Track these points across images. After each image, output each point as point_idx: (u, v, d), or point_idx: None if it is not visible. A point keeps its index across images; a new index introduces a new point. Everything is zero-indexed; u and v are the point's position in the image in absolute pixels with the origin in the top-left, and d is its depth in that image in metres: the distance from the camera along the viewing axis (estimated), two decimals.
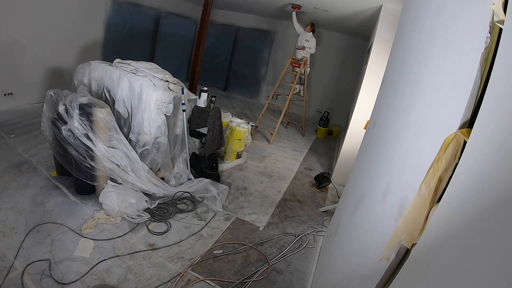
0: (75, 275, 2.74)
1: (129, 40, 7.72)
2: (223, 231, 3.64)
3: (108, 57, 4.85)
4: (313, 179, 5.15)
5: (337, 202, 4.19)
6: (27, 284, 2.59)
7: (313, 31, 6.97)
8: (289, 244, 3.62)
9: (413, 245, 1.09)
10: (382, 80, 2.85)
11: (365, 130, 3.61)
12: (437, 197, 1.03)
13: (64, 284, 2.64)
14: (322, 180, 4.94)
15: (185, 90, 4.01)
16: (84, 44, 6.72)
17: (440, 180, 1.01)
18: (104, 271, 2.84)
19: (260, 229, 3.81)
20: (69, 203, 3.59)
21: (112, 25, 7.16)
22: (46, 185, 3.81)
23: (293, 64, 7.02)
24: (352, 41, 8.50)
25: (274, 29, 9.41)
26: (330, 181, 5.00)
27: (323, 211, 4.40)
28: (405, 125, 1.56)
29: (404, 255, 1.16)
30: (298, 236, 3.78)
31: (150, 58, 8.25)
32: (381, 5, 4.69)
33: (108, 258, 2.97)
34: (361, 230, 1.82)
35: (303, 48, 6.90)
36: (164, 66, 4.26)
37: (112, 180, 3.53)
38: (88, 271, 2.80)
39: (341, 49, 8.68)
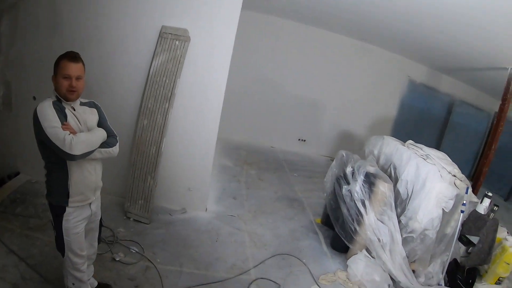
0: None
1: (419, 122, 8.05)
2: None
3: (397, 134, 5.24)
4: None
5: None
6: None
7: None
8: None
9: None
10: None
11: None
12: None
13: None
14: None
15: (470, 190, 3.87)
16: (377, 118, 7.46)
17: None
18: None
19: None
20: (320, 251, 4.04)
21: (406, 105, 7.65)
22: (308, 226, 4.41)
23: None
24: None
25: None
26: None
27: None
28: None
29: None
30: None
31: (437, 145, 8.24)
32: None
33: None
34: None
35: None
36: (448, 156, 4.26)
37: (367, 250, 3.74)
38: None
39: None
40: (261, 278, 3.32)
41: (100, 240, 2.59)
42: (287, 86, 6.65)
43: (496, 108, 5.60)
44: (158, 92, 3.69)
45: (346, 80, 7.03)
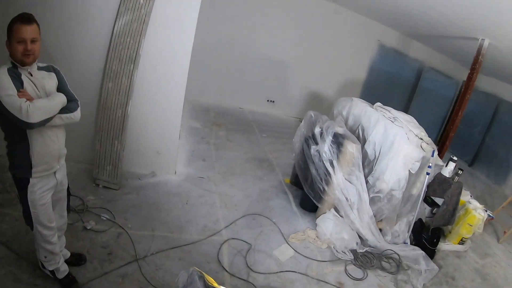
0: (264, 268, 3.18)
1: (388, 86, 8.19)
2: None
3: (366, 97, 5.30)
4: None
5: None
6: (223, 251, 3.21)
7: None
8: None
9: None
10: None
11: None
12: None
13: (251, 270, 3.11)
14: None
15: (436, 153, 4.02)
16: (346, 80, 7.54)
17: None
18: (289, 281, 3.17)
19: None
20: (289, 210, 4.15)
21: (376, 69, 7.76)
22: (277, 186, 4.50)
23: None
24: None
25: None
26: None
27: None
28: None
29: None
30: None
31: (405, 109, 8.46)
32: None
33: (298, 273, 3.28)
34: None
35: None
36: (416, 120, 4.38)
37: (336, 210, 3.87)
38: (276, 273, 3.19)
39: None
40: (233, 238, 3.40)
41: (69, 209, 2.55)
42: (256, 47, 6.56)
43: (464, 76, 5.77)
44: (122, 54, 3.53)
45: (316, 41, 7.00)
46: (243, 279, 2.97)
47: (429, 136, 4.27)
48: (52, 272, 2.36)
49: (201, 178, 4.21)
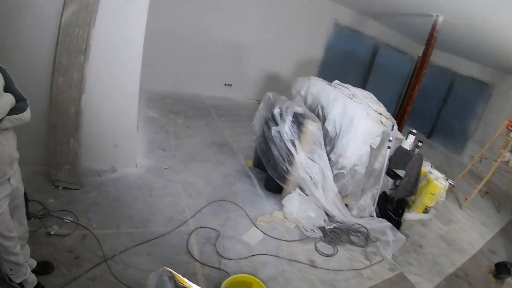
0: (234, 254, 3.20)
1: (345, 64, 8.38)
2: (382, 279, 3.63)
3: (324, 75, 5.39)
4: (493, 265, 4.67)
5: None
6: (192, 241, 3.18)
7: None
8: None
9: None
10: None
11: None
12: None
13: (222, 257, 3.12)
14: (502, 270, 4.42)
15: (395, 127, 4.14)
16: (303, 59, 7.60)
17: None
18: (260, 263, 3.21)
19: None
20: (255, 193, 4.18)
21: (332, 47, 7.88)
22: (240, 170, 4.51)
23: (509, 127, 6.38)
24: None
25: (494, 83, 8.69)
26: (511, 275, 4.46)
27: None
28: None
29: None
30: None
31: (362, 86, 8.41)
32: None
33: (269, 255, 3.34)
34: None
35: None
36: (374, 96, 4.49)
37: (301, 189, 3.93)
38: (247, 257, 3.22)
39: None
40: (200, 227, 3.38)
41: (29, 216, 2.44)
42: (211, 30, 6.45)
43: (419, 52, 5.94)
44: (71, 46, 3.33)
45: (272, 22, 6.99)
46: (215, 267, 2.98)
47: (387, 111, 4.37)
48: (21, 284, 2.25)
49: (162, 168, 4.13)
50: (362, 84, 8.89)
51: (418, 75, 5.74)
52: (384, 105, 4.43)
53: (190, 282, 1.80)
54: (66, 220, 3.04)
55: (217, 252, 3.14)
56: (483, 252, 5.09)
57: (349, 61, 8.44)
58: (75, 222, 3.04)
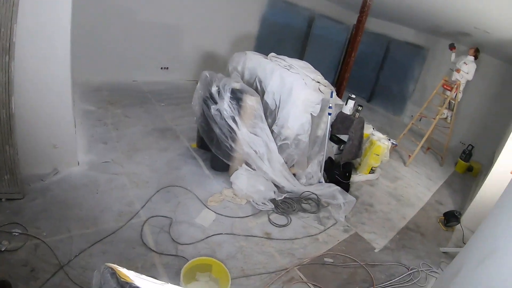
0: (190, 238, 3.18)
1: (281, 37, 8.38)
2: (338, 241, 3.77)
3: (260, 50, 5.36)
4: (442, 215, 4.96)
5: (461, 247, 3.99)
6: (145, 232, 3.11)
7: (475, 57, 6.62)
8: (399, 275, 3.58)
9: None
10: None
11: None
12: None
13: (178, 243, 3.08)
14: (450, 219, 4.72)
15: (334, 94, 4.21)
16: (239, 35, 7.50)
17: None
18: (217, 244, 3.22)
19: (375, 250, 3.84)
20: (202, 175, 4.13)
21: (267, 21, 7.85)
22: (185, 153, 4.43)
23: (445, 86, 6.73)
24: None
25: (428, 46, 9.09)
26: (459, 222, 4.76)
27: (443, 252, 4.23)
28: None
29: None
30: (410, 269, 3.70)
31: (300, 58, 8.50)
32: None
33: (224, 234, 3.35)
34: (488, 284, 1.79)
35: (458, 70, 6.59)
36: (313, 66, 4.53)
37: (247, 164, 3.95)
38: (203, 239, 3.21)
39: (499, 78, 7.97)
40: (152, 217, 3.30)
41: None
42: (140, 13, 6.16)
43: (354, 20, 6.01)
44: None
45: (204, 2, 6.81)
46: (173, 255, 2.94)
47: (326, 79, 4.45)
48: None
49: (105, 162, 3.97)
50: (300, 55, 8.96)
51: (353, 42, 5.83)
52: (323, 74, 4.48)
53: (135, 274, 1.73)
54: (14, 233, 2.83)
55: (173, 239, 3.10)
56: (431, 204, 5.37)
57: (285, 34, 8.45)
58: (25, 234, 2.85)
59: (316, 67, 4.54)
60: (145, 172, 3.94)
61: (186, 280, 2.62)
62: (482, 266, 2.03)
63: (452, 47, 6.65)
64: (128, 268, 2.64)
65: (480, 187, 4.92)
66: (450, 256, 4.10)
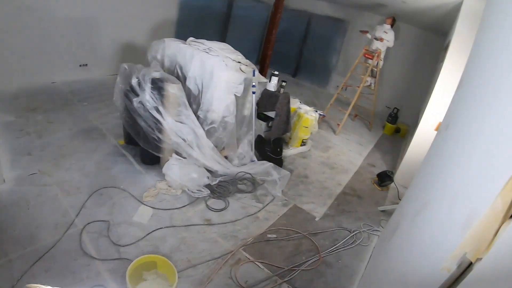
0: (131, 238, 3.11)
1: (202, 20, 8.23)
2: (279, 216, 3.86)
3: (181, 36, 5.23)
4: (375, 176, 5.22)
5: (397, 203, 4.23)
6: (84, 241, 3.00)
7: (392, 25, 7.00)
8: (342, 238, 3.77)
9: (477, 259, 1.10)
10: (460, 80, 2.82)
11: (436, 132, 3.62)
12: (511, 213, 1.02)
13: (119, 245, 3.01)
14: (384, 179, 5.00)
15: (256, 72, 4.24)
16: (158, 22, 7.28)
17: None
18: (159, 239, 3.19)
19: (316, 219, 3.98)
20: (133, 171, 4.04)
21: (186, 5, 7.66)
22: (113, 152, 4.29)
23: (366, 55, 7.03)
24: (429, 37, 8.26)
25: (348, 19, 9.42)
26: (393, 181, 5.04)
27: (381, 210, 4.47)
28: (482, 133, 1.51)
29: (466, 268, 1.18)
30: (353, 232, 3.90)
31: (222, 40, 8.47)
32: (462, 1, 4.62)
33: (164, 227, 3.32)
34: (422, 236, 1.86)
35: (381, 39, 6.92)
36: (235, 48, 4.53)
37: (177, 153, 3.90)
38: (144, 237, 3.16)
39: (416, 44, 8.49)
40: (88, 223, 3.17)
41: None
42: (52, 9, 5.77)
43: None
44: None
45: None
46: (116, 259, 2.86)
47: (250, 58, 4.46)
48: None
49: (33, 174, 3.74)
50: (222, 37, 8.92)
51: (273, 20, 5.91)
52: (246, 53, 4.49)
53: None
54: None
55: (113, 243, 3.01)
56: (364, 167, 5.61)
57: (206, 17, 8.32)
58: None
59: (239, 47, 4.54)
60: (75, 177, 3.77)
61: (134, 282, 2.56)
62: (417, 219, 2.12)
63: (363, 31, 7.21)
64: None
65: (408, 146, 5.23)
66: (389, 213, 4.34)
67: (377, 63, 7.00)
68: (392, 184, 5.13)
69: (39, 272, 2.65)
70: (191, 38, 4.48)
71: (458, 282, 1.16)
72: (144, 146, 3.84)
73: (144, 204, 3.55)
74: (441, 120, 3.17)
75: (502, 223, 1.02)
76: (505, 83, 1.40)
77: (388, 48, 7.15)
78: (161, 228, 3.29)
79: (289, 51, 10.49)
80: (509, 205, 1.00)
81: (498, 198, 1.04)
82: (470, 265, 1.16)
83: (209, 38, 4.56)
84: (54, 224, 3.11)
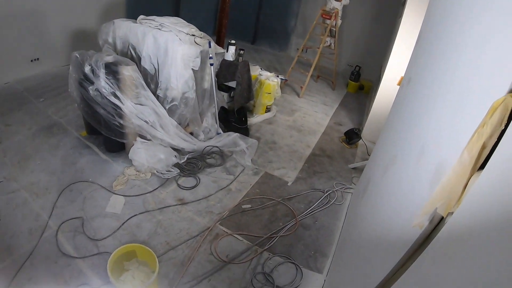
0: (107, 231, 3.07)
1: None
2: (251, 185, 3.86)
3: (132, 15, 5.02)
4: (343, 135, 5.27)
5: (367, 160, 4.28)
6: (61, 241, 2.93)
7: None
8: (317, 200, 3.80)
9: (449, 214, 1.09)
10: (418, 34, 2.81)
11: (398, 86, 3.64)
12: (479, 165, 1.00)
13: (96, 240, 2.96)
14: (352, 136, 5.06)
15: (212, 43, 4.15)
16: (106, 4, 6.98)
17: (483, 146, 0.97)
18: (135, 226, 3.15)
19: (289, 184, 4.00)
20: (100, 161, 3.94)
21: None
22: (77, 145, 4.17)
23: (324, 16, 6.99)
24: None
25: None
26: (361, 138, 5.10)
27: (352, 168, 4.52)
28: (446, 85, 1.49)
29: (438, 223, 1.17)
30: (326, 192, 3.94)
31: (176, 14, 8.21)
32: None
33: (139, 214, 3.28)
34: (392, 192, 1.87)
35: None
36: (189, 21, 4.40)
37: (141, 136, 3.82)
38: (120, 227, 3.12)
39: (375, 1, 8.49)
40: (62, 223, 3.09)
41: None
42: None
43: None
44: None
45: None
46: (95, 254, 2.82)
47: (206, 30, 4.36)
48: None
49: None
50: (176, 12, 8.58)
51: None
52: (202, 25, 4.39)
53: None
54: None
55: (90, 238, 2.96)
56: (331, 127, 5.65)
57: None
58: None
59: (194, 20, 4.44)
60: (42, 178, 3.65)
61: (117, 274, 2.52)
62: (386, 175, 2.14)
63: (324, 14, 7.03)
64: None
65: (373, 102, 5.28)
66: (360, 170, 4.40)
67: (335, 23, 6.98)
68: (361, 141, 5.18)
69: (22, 281, 2.60)
70: (141, 16, 4.32)
71: (431, 238, 1.15)
72: (107, 134, 3.73)
73: (115, 194, 3.49)
74: (403, 75, 3.19)
75: (471, 176, 1.01)
76: (469, 38, 1.37)
77: (345, 6, 7.10)
78: (135, 215, 3.25)
79: (246, 18, 10.28)
80: (476, 158, 0.99)
81: (464, 151, 1.04)
82: (442, 220, 1.15)
83: (162, 14, 4.40)
84: (28, 230, 3.02)
